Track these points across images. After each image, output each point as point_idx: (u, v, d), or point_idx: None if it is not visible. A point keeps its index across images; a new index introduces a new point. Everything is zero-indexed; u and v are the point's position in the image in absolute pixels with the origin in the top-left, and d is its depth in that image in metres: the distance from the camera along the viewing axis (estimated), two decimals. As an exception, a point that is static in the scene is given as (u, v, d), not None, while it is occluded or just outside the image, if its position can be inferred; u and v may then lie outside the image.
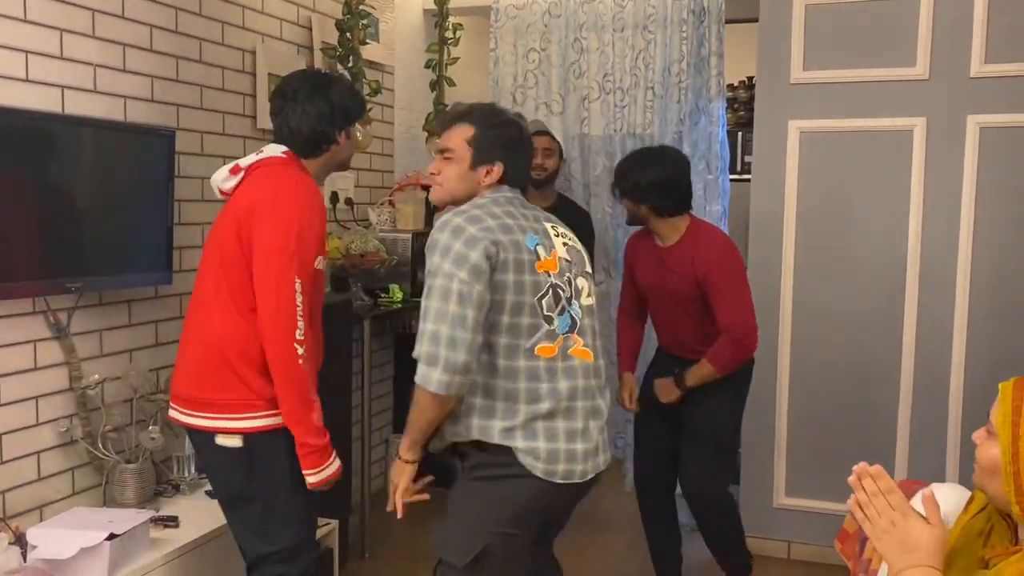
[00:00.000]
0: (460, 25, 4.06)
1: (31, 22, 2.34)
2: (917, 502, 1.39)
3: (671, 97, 3.79)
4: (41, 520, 2.40)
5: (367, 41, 3.73)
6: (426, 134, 4.08)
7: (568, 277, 1.98)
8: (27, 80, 2.33)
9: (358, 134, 2.28)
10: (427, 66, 4.02)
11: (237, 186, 2.17)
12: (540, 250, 1.94)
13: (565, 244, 2.03)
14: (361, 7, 3.57)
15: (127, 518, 2.27)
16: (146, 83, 2.74)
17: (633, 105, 3.84)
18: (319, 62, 3.65)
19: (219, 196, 2.23)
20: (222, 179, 2.19)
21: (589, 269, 2.10)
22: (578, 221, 3.34)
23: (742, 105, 4.99)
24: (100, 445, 2.54)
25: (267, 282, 2.01)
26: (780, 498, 3.51)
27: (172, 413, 2.19)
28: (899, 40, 3.26)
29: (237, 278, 2.06)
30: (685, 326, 2.89)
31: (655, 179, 2.77)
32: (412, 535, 3.54)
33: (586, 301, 2.02)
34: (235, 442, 2.07)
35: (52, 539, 2.14)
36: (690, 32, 3.71)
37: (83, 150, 2.45)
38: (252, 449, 2.09)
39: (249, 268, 2.05)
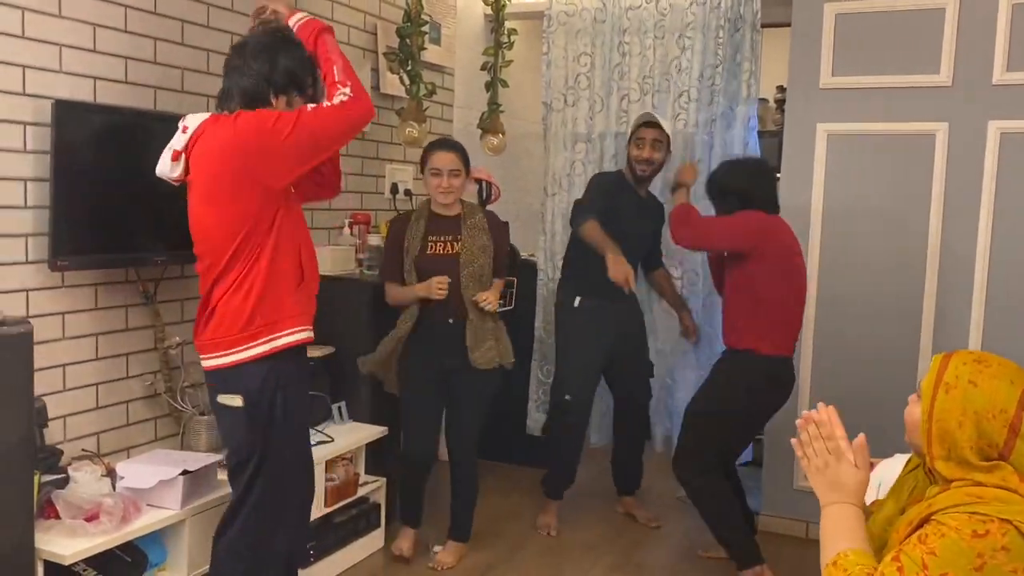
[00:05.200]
0: (515, 30, 4.35)
1: (65, 17, 2.57)
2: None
3: (704, 100, 3.99)
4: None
5: (427, 46, 4.05)
6: (481, 131, 4.39)
7: None
8: (60, 71, 2.55)
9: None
10: (483, 68, 4.33)
11: (187, 168, 2.25)
12: None
13: None
14: (421, 15, 3.88)
15: (199, 460, 2.65)
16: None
17: (668, 107, 4.05)
18: (383, 66, 4.00)
19: (175, 184, 2.31)
20: (169, 169, 2.26)
21: None
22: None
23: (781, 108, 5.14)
24: (179, 399, 2.94)
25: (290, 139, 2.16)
26: (799, 480, 3.70)
27: None
28: (924, 48, 3.42)
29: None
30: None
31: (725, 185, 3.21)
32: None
33: None
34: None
35: (136, 472, 2.53)
36: (725, 38, 3.91)
37: (162, 142, 2.82)
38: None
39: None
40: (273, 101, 2.26)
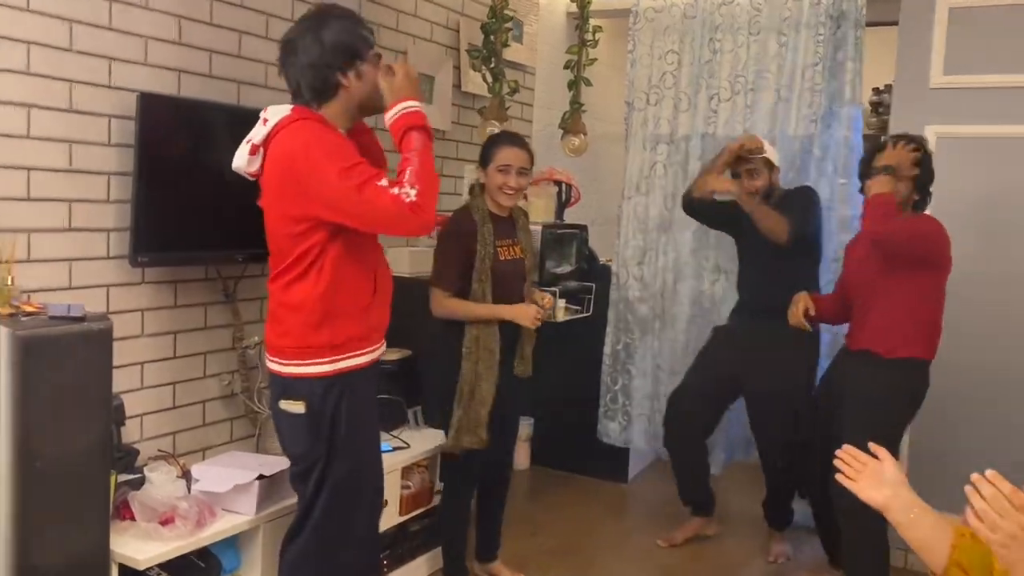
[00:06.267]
0: (600, 27, 4.21)
1: (152, 9, 2.51)
2: None
3: (803, 101, 3.78)
4: (203, 460, 2.75)
5: (510, 43, 3.94)
6: (561, 132, 4.26)
7: None
8: (145, 64, 2.50)
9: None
10: (566, 67, 4.20)
11: (263, 163, 2.14)
12: None
13: None
14: (505, 11, 3.77)
15: (274, 464, 2.57)
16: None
17: (760, 106, 3.86)
18: (464, 63, 3.90)
19: (250, 180, 2.20)
20: (246, 163, 2.15)
21: None
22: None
23: (887, 109, 4.88)
24: (256, 400, 2.87)
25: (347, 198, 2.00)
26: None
27: None
28: (1048, 44, 3.17)
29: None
30: None
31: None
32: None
33: None
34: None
35: (212, 475, 2.46)
36: (827, 35, 3.70)
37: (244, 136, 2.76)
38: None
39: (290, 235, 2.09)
40: (344, 82, 2.12)
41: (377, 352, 2.26)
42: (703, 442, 3.54)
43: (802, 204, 3.30)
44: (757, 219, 3.24)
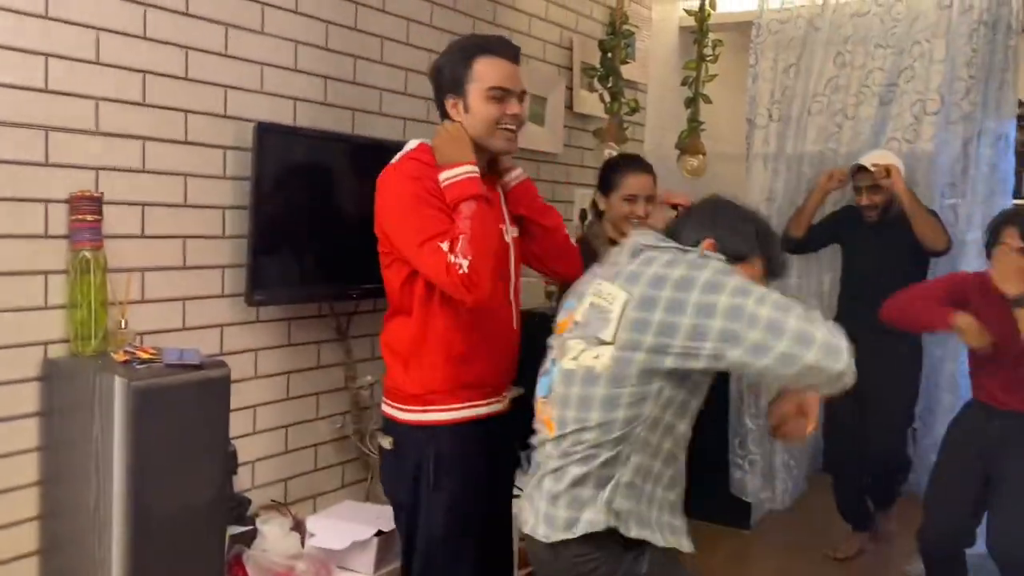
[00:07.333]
0: (720, 41, 3.97)
1: (193, 15, 2.23)
2: None
3: (951, 116, 3.45)
4: (314, 509, 2.60)
5: (627, 60, 3.73)
6: (677, 152, 4.02)
7: (567, 337, 1.69)
8: (186, 78, 2.24)
9: (443, 244, 1.85)
10: (683, 83, 3.96)
11: None
12: (562, 313, 1.78)
13: (593, 304, 1.65)
14: (625, 26, 3.57)
15: (391, 516, 2.39)
16: (419, 105, 2.91)
17: (894, 122, 3.55)
18: (578, 83, 3.71)
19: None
20: None
21: (601, 334, 1.59)
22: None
23: (1033, 123, 4.48)
24: (367, 442, 2.71)
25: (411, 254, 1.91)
26: None
27: None
28: None
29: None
30: None
31: None
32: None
33: (567, 364, 1.66)
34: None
35: (328, 529, 2.30)
36: (980, 44, 3.36)
37: (360, 168, 2.60)
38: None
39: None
40: (449, 108, 1.99)
41: (475, 411, 2.03)
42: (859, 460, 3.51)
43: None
44: (918, 221, 3.18)
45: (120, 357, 1.93)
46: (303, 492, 2.62)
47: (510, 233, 2.10)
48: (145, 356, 1.94)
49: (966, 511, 2.75)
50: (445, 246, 1.83)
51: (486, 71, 1.94)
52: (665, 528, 1.63)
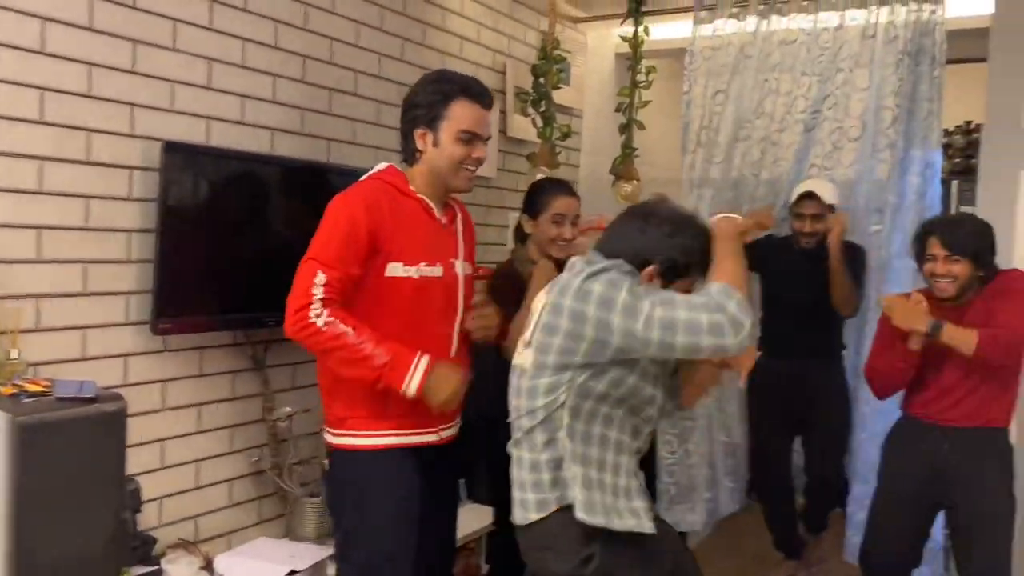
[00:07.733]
0: (653, 68, 3.97)
1: (97, 30, 2.12)
2: None
3: (877, 143, 3.48)
4: (229, 547, 2.47)
5: (560, 85, 3.71)
6: (612, 177, 4.00)
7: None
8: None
9: (452, 146, 1.98)
10: (618, 109, 3.95)
11: None
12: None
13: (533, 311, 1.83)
14: (555, 52, 3.55)
15: (308, 553, 2.29)
16: (367, 131, 2.84)
17: (817, 148, 3.59)
18: (511, 106, 3.67)
19: None
20: None
21: (532, 334, 1.78)
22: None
23: (958, 152, 4.59)
24: (286, 477, 2.60)
25: None
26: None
27: None
28: None
29: None
30: None
31: None
32: None
33: (515, 360, 1.85)
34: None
35: (238, 568, 2.18)
36: (903, 74, 3.40)
37: (280, 189, 2.54)
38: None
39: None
40: (417, 137, 2.04)
41: (400, 439, 2.00)
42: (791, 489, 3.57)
43: (860, 270, 3.31)
44: (837, 282, 3.20)
45: (6, 391, 1.80)
46: (217, 529, 2.49)
47: (462, 269, 2.13)
48: (34, 389, 1.81)
49: (915, 537, 2.70)
50: (322, 278, 1.85)
51: (463, 114, 2.00)
52: (625, 512, 1.73)
